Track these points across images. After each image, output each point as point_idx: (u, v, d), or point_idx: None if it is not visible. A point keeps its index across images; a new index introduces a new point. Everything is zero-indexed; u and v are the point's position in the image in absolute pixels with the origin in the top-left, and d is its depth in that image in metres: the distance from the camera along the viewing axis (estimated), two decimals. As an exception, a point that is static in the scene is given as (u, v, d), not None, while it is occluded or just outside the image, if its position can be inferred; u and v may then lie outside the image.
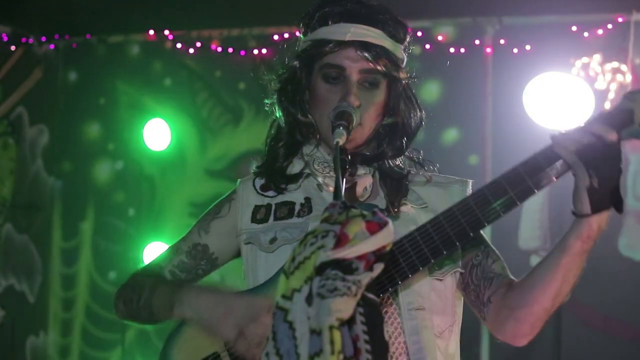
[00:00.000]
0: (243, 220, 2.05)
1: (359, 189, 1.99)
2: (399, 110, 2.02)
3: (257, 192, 2.07)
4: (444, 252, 1.77)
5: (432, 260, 1.77)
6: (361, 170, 2.00)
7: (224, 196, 2.14)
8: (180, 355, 1.96)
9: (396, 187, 2.01)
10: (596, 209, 1.71)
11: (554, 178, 1.74)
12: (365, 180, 2.00)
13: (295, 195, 2.04)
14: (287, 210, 2.02)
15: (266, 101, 2.11)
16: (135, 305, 2.01)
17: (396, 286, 1.79)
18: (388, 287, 1.77)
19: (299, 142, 2.06)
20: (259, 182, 2.09)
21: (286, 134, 2.07)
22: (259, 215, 2.04)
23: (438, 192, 2.04)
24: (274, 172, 2.06)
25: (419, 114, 2.05)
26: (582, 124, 1.72)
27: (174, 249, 2.12)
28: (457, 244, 1.77)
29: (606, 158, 1.68)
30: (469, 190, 2.05)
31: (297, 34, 2.10)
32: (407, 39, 2.04)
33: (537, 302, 1.83)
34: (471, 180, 2.09)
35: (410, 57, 2.08)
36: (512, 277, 1.95)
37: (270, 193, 2.06)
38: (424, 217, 1.94)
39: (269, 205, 2.04)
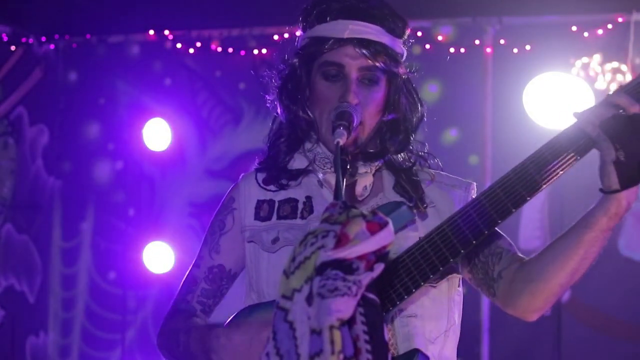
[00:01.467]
0: (246, 217, 2.05)
1: (359, 188, 1.99)
2: (400, 105, 2.01)
3: (260, 186, 2.06)
4: (473, 242, 1.77)
5: (443, 266, 1.78)
6: (362, 169, 2.00)
7: (223, 204, 2.12)
8: None
9: (414, 184, 2.01)
10: (625, 184, 1.68)
11: (577, 157, 1.71)
12: (365, 179, 2.00)
13: (296, 192, 2.03)
14: (290, 208, 2.02)
15: (267, 97, 2.11)
16: (178, 353, 1.98)
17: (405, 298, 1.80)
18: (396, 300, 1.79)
19: (300, 138, 2.06)
20: (261, 175, 2.08)
21: (287, 130, 2.07)
22: (262, 212, 2.04)
23: (441, 193, 2.04)
24: (276, 167, 2.06)
25: (420, 108, 2.05)
26: (605, 98, 1.70)
27: (192, 279, 2.09)
28: (474, 242, 1.77)
29: (631, 130, 1.65)
30: (473, 195, 2.04)
31: (297, 31, 2.10)
32: (406, 33, 2.03)
33: (555, 276, 1.81)
34: (474, 183, 2.09)
35: (410, 56, 2.08)
36: (520, 254, 1.94)
37: (272, 187, 2.05)
38: (434, 217, 1.96)
39: (271, 202, 2.04)
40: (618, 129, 1.66)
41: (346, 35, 1.95)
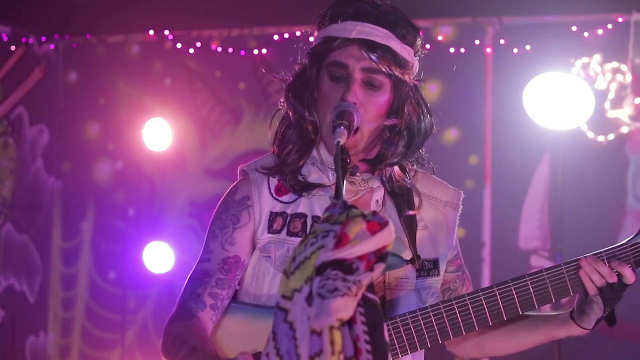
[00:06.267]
0: (260, 228, 2.01)
1: (373, 203, 2.00)
2: (403, 113, 1.99)
3: (272, 197, 2.02)
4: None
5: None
6: (375, 183, 2.01)
7: (235, 201, 2.06)
8: None
9: (410, 223, 2.04)
10: (595, 326, 2.04)
11: (571, 292, 1.99)
12: (378, 193, 2.01)
13: (307, 206, 2.01)
14: (300, 224, 1.98)
15: (280, 100, 2.08)
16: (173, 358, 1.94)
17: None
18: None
19: (311, 140, 2.03)
20: (273, 182, 2.03)
21: (296, 132, 2.03)
22: (276, 225, 2.01)
23: (435, 214, 2.09)
24: (290, 174, 2.02)
25: (428, 119, 2.02)
26: (612, 261, 1.95)
27: (203, 273, 2.00)
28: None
29: (619, 296, 1.98)
30: (460, 211, 2.12)
31: (305, 31, 2.10)
32: (418, 42, 2.01)
33: (503, 352, 2.18)
34: (462, 192, 2.14)
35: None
36: None
37: (285, 198, 2.02)
38: (427, 240, 2.05)
39: (284, 215, 2.01)
40: (613, 295, 1.96)
41: (353, 35, 1.94)
